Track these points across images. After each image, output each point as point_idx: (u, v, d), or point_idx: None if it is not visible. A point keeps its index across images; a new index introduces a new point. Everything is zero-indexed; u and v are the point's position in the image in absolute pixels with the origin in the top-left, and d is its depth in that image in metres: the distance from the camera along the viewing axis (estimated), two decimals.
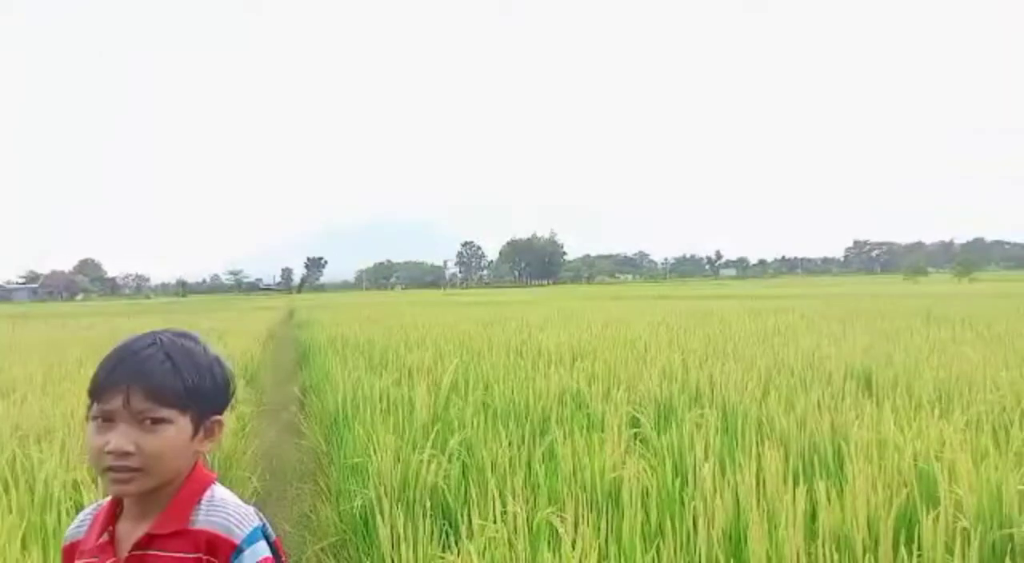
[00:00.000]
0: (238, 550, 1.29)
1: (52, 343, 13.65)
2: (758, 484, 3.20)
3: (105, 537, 1.32)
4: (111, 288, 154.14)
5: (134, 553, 1.30)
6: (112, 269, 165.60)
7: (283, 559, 1.38)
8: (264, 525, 1.35)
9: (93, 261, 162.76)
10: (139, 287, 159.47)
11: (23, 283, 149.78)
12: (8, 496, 3.68)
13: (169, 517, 1.30)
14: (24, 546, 3.04)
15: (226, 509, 1.33)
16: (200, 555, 1.29)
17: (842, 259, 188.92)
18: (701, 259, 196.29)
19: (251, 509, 1.35)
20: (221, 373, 1.37)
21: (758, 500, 2.98)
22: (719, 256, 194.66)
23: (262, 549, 1.31)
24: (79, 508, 3.60)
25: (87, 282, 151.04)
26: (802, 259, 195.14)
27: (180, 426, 1.30)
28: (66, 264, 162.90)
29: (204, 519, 1.30)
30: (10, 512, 3.34)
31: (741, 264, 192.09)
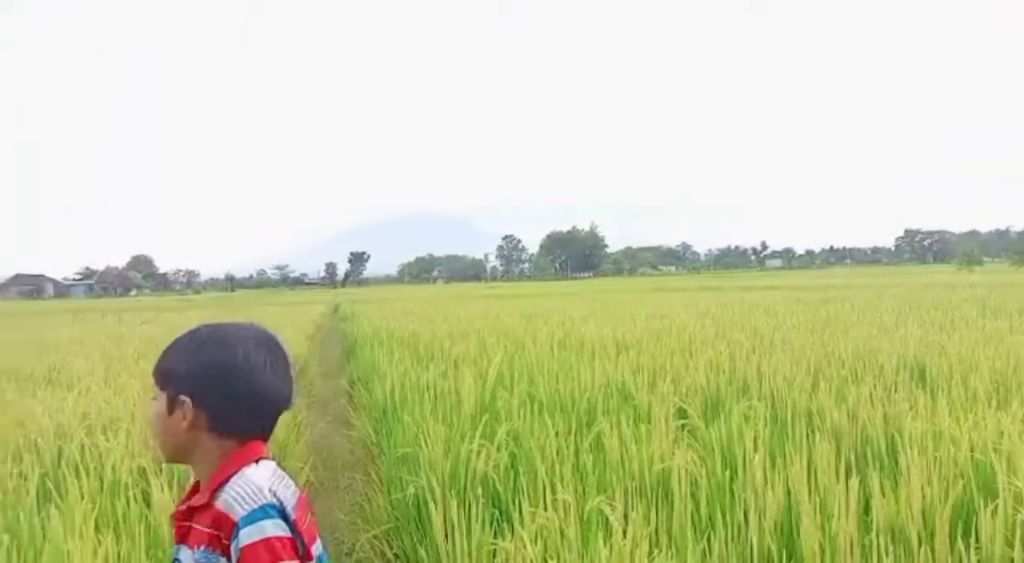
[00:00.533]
0: (237, 528, 1.29)
1: (110, 337, 14.15)
2: (809, 476, 3.18)
3: (183, 507, 1.43)
4: (162, 283, 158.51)
5: (182, 523, 1.40)
6: (163, 265, 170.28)
7: (305, 541, 1.35)
8: (274, 505, 1.32)
9: (145, 257, 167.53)
10: (189, 282, 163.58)
11: (80, 279, 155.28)
12: (80, 482, 3.86)
13: (203, 491, 1.38)
14: (97, 529, 3.19)
15: (237, 486, 1.34)
16: (214, 531, 1.32)
17: (893, 249, 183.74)
18: (746, 250, 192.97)
19: (264, 487, 1.33)
20: (209, 360, 1.40)
21: (810, 492, 2.96)
22: (764, 247, 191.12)
23: (258, 531, 1.28)
24: (146, 494, 3.77)
25: (140, 278, 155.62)
26: (851, 249, 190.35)
27: (160, 402, 1.42)
28: (119, 260, 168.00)
29: (221, 495, 1.34)
30: (82, 498, 3.50)
31: (787, 255, 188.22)
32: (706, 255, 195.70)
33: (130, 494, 3.71)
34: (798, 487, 2.95)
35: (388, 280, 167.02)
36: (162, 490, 3.54)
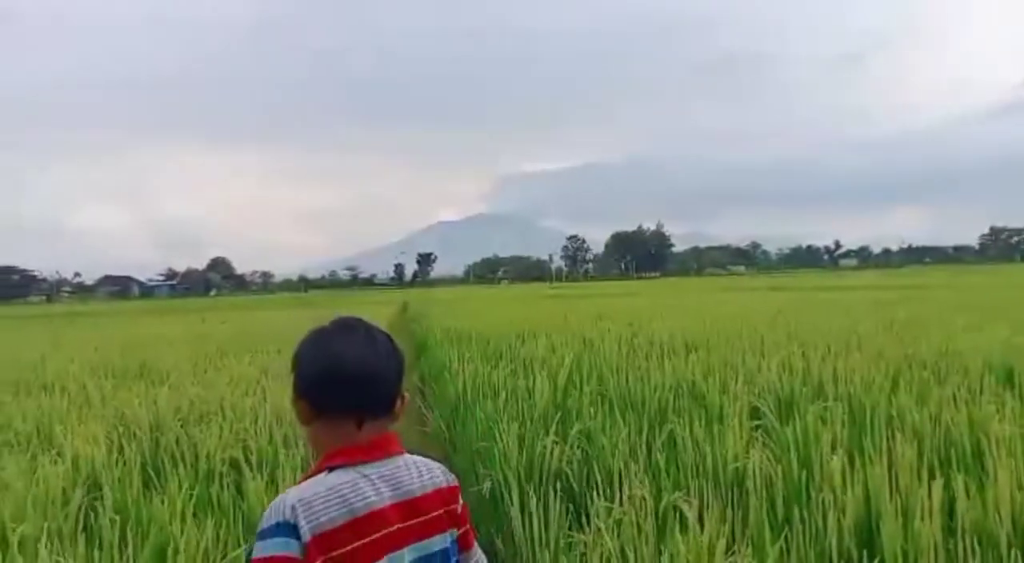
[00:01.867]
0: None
1: (195, 336, 14.83)
2: (889, 478, 3.14)
3: None
4: (239, 284, 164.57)
5: None
6: (240, 267, 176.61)
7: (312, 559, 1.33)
8: (285, 523, 1.33)
9: (224, 259, 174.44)
10: (264, 283, 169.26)
11: (163, 280, 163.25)
12: (177, 471, 4.12)
13: None
14: (195, 515, 3.40)
15: (278, 497, 1.40)
16: None
17: (977, 247, 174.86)
18: (818, 249, 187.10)
19: (290, 503, 1.34)
20: (296, 352, 1.52)
21: (891, 493, 2.92)
22: (838, 245, 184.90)
23: (257, 549, 1.33)
24: (238, 484, 3.99)
25: (219, 279, 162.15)
26: (931, 248, 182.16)
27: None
28: (199, 262, 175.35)
29: None
30: (179, 487, 3.74)
31: (862, 254, 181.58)
32: (776, 254, 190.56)
33: (224, 482, 3.95)
34: (879, 488, 2.91)
35: (454, 280, 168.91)
36: (254, 479, 3.74)
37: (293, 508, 1.34)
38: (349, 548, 1.35)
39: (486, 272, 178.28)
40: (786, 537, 2.79)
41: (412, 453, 1.58)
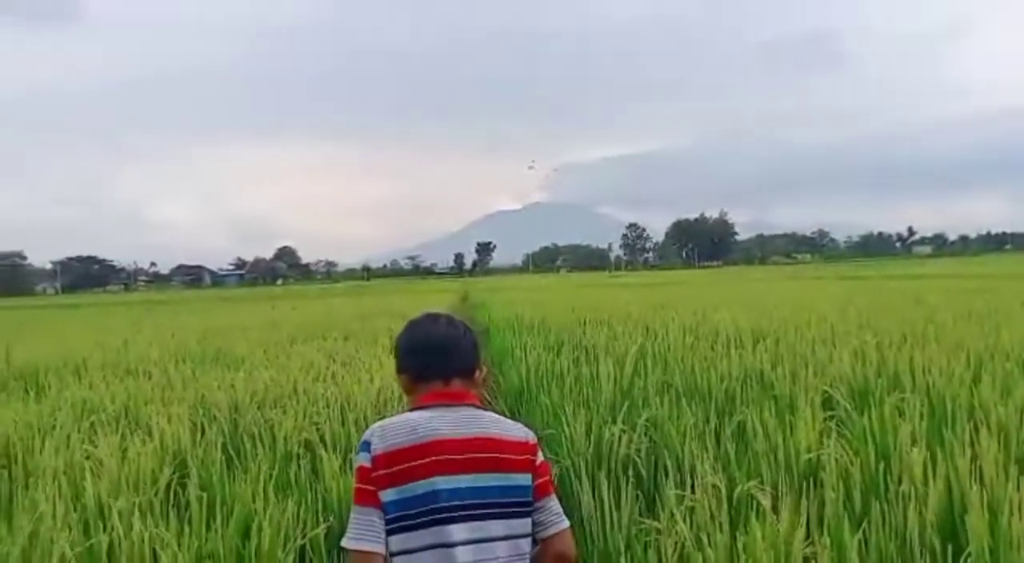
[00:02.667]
0: None
1: (265, 323, 15.31)
2: (972, 471, 3.04)
3: None
4: (305, 273, 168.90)
5: None
6: (306, 256, 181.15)
7: (383, 473, 1.74)
8: (365, 441, 1.80)
9: (290, 249, 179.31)
10: (328, 272, 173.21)
11: (233, 269, 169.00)
12: (256, 451, 4.29)
13: None
14: (276, 493, 3.54)
15: None
16: None
17: None
18: (890, 236, 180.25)
19: (374, 426, 1.84)
20: (396, 343, 2.02)
21: (976, 488, 2.83)
22: (912, 232, 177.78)
23: (355, 459, 1.84)
24: (313, 464, 4.12)
25: (285, 268, 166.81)
26: (1012, 234, 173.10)
27: None
28: (267, 252, 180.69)
29: None
30: (257, 467, 3.89)
31: (938, 241, 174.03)
32: (845, 242, 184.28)
33: (300, 463, 4.09)
34: (962, 481, 2.83)
35: (513, 269, 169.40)
36: (330, 460, 3.87)
37: (372, 432, 1.81)
38: (407, 465, 1.73)
39: (544, 261, 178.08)
40: (864, 530, 2.74)
41: (496, 412, 1.97)
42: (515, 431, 1.87)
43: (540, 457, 1.89)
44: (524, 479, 1.81)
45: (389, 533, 1.72)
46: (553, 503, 1.87)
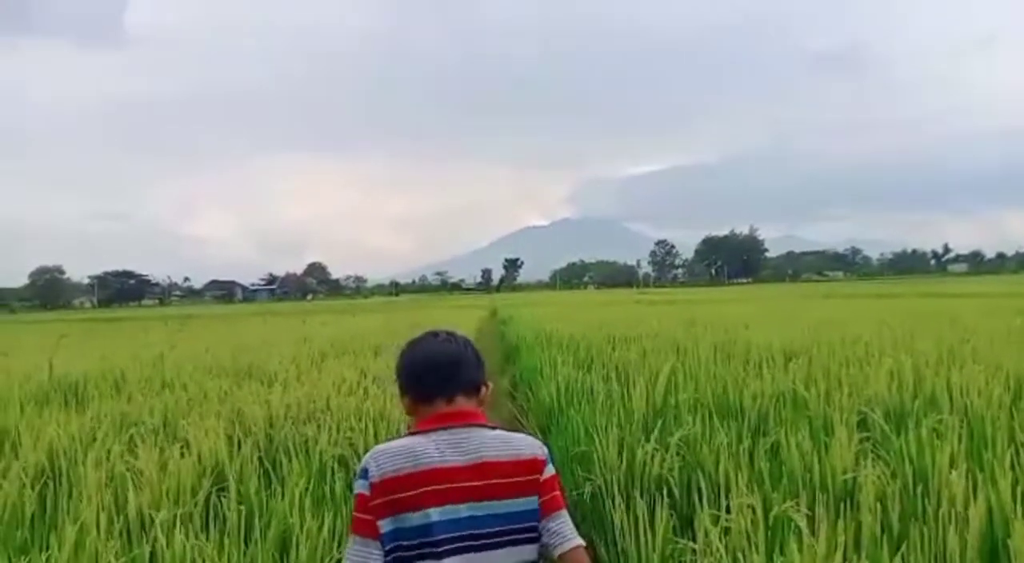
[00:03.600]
0: None
1: (297, 338, 15.48)
2: (1014, 495, 2.98)
3: None
4: (335, 288, 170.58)
5: None
6: (335, 272, 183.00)
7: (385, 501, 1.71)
8: (363, 467, 1.77)
9: (320, 265, 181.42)
10: (358, 287, 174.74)
11: (264, 284, 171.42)
12: (291, 464, 4.35)
13: None
14: (313, 506, 3.60)
15: None
16: None
17: None
18: (924, 254, 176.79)
19: (370, 453, 1.80)
20: (398, 364, 1.96)
21: (1020, 510, 2.78)
22: (947, 250, 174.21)
23: (355, 486, 1.81)
24: (348, 481, 4.17)
25: (315, 284, 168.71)
26: None
27: None
28: (297, 268, 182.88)
29: None
30: (294, 482, 3.95)
31: (974, 259, 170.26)
32: (878, 260, 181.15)
33: (335, 477, 4.14)
34: (1004, 504, 2.78)
35: (540, 285, 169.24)
36: None
37: (370, 457, 1.78)
38: (403, 495, 1.71)
39: (572, 277, 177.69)
40: (903, 554, 2.71)
41: (504, 429, 1.91)
42: (522, 449, 1.82)
43: (549, 470, 1.84)
44: (528, 503, 1.77)
45: None
46: (562, 521, 1.81)
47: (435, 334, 1.97)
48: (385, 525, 1.70)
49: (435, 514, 1.69)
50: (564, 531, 1.79)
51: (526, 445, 1.84)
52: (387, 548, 1.70)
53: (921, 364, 6.73)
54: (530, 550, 1.77)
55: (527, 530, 1.77)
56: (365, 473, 1.74)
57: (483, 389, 1.90)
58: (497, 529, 1.73)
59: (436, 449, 1.74)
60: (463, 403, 1.83)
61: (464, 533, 1.70)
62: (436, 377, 1.84)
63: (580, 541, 1.81)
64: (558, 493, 1.85)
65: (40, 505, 3.92)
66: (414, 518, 1.69)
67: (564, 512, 1.83)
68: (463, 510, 1.71)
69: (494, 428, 1.85)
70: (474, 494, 1.72)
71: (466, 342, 1.95)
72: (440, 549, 1.68)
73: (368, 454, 1.80)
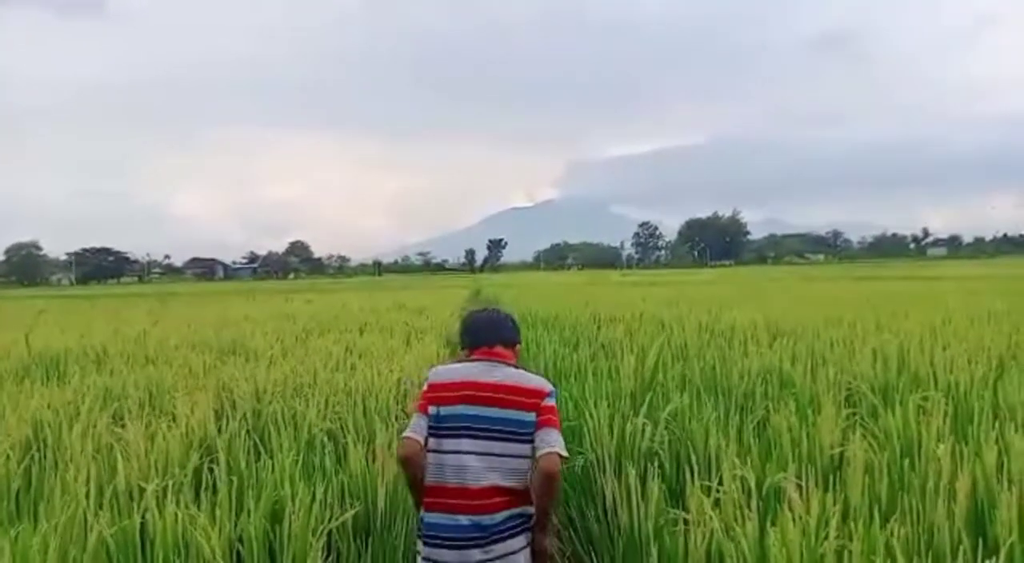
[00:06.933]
0: None
1: (280, 315, 15.37)
2: (999, 469, 3.04)
3: None
4: (317, 267, 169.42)
5: None
6: (318, 250, 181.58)
7: (436, 393, 2.66)
8: (429, 376, 2.75)
9: (302, 243, 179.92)
10: (340, 266, 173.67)
11: (246, 263, 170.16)
12: (280, 437, 4.32)
13: None
14: (305, 477, 3.58)
15: None
16: None
17: None
18: (904, 238, 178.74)
19: (434, 369, 2.82)
20: (461, 327, 2.96)
21: (1004, 482, 2.83)
22: (926, 234, 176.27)
23: (423, 384, 2.80)
24: (339, 454, 4.16)
25: (297, 262, 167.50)
26: None
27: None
28: (279, 246, 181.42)
29: None
30: (281, 451, 3.93)
31: (953, 243, 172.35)
32: (859, 243, 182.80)
33: (325, 450, 4.13)
34: (989, 476, 2.83)
35: (524, 266, 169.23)
36: (355, 447, 3.91)
37: (433, 371, 2.79)
38: (446, 394, 2.61)
39: (555, 259, 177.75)
40: (891, 524, 2.74)
41: (526, 370, 2.75)
42: (532, 381, 2.64)
43: (550, 402, 2.59)
44: (525, 415, 2.53)
45: (429, 435, 2.56)
46: (548, 433, 2.52)
47: (484, 308, 3.04)
48: (432, 410, 2.59)
49: (461, 408, 2.56)
50: (549, 440, 2.51)
51: (536, 380, 2.66)
52: (431, 424, 2.57)
53: (905, 343, 6.82)
54: (522, 448, 2.52)
55: (521, 434, 2.52)
56: (430, 377, 2.71)
57: (517, 346, 2.82)
58: (499, 427, 2.52)
59: (476, 369, 2.65)
60: (500, 350, 2.71)
61: (477, 425, 2.53)
62: (485, 331, 2.77)
63: (556, 449, 2.49)
64: (553, 417, 2.58)
65: (26, 479, 3.87)
66: (450, 409, 2.57)
67: (554, 429, 2.54)
68: (480, 410, 2.54)
69: (517, 367, 2.71)
70: (489, 401, 2.55)
71: (507, 315, 2.90)
72: (460, 432, 2.54)
73: (432, 369, 2.80)
